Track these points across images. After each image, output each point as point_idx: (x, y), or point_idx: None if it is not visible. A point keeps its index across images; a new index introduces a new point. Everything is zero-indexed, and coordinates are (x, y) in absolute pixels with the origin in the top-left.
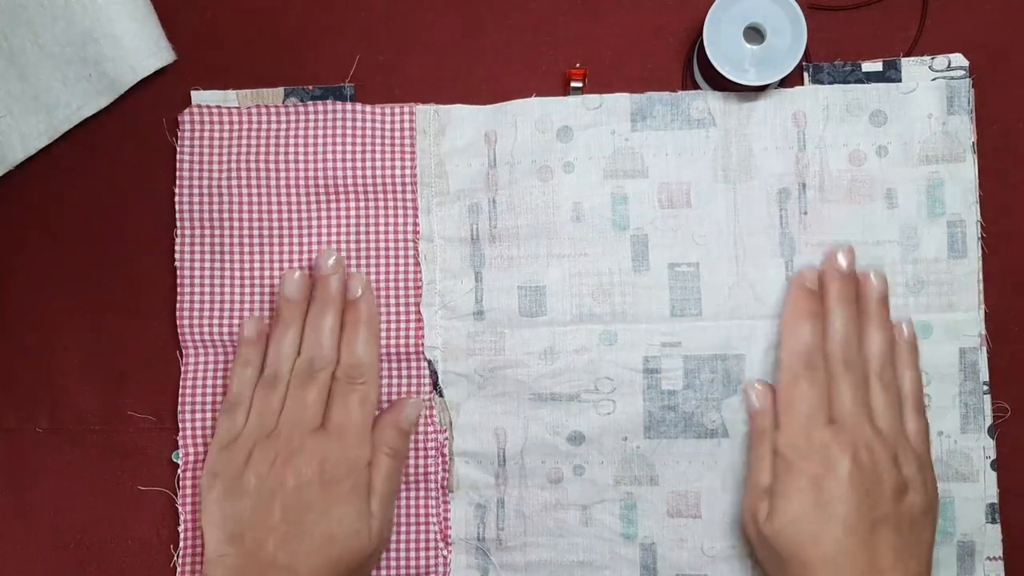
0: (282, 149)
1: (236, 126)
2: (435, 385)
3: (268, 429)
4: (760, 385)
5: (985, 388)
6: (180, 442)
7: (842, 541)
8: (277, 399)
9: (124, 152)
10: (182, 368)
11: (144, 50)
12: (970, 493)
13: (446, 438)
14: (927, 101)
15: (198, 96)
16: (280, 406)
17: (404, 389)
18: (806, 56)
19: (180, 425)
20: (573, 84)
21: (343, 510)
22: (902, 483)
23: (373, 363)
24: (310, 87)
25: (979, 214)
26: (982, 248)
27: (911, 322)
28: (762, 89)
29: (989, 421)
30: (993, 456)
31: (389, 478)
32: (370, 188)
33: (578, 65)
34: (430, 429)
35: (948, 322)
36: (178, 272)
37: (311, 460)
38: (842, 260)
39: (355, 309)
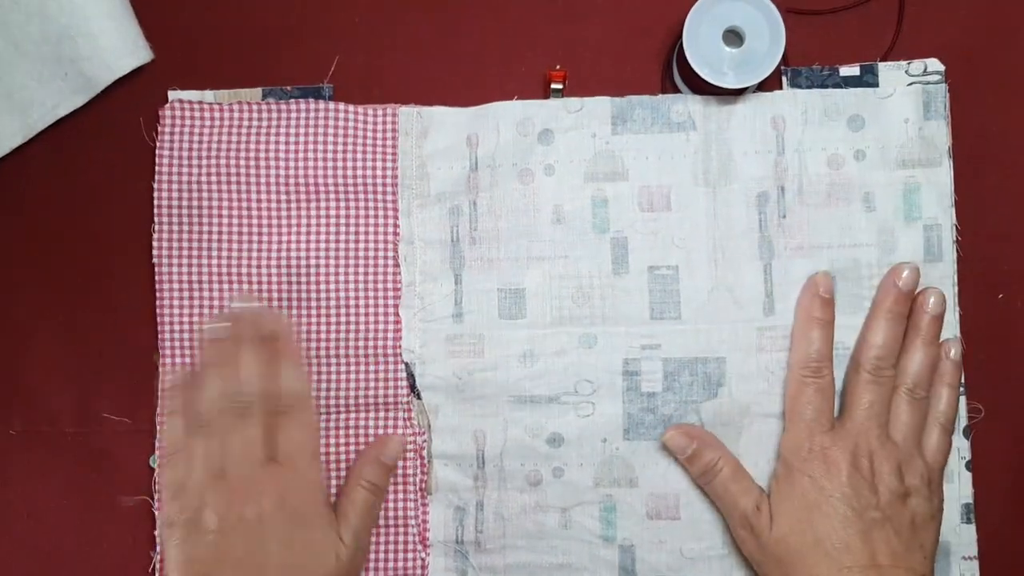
0: (263, 147)
1: (217, 123)
2: (413, 387)
3: (215, 470)
4: (674, 431)
5: (961, 390)
6: (157, 445)
7: (843, 539)
8: (216, 441)
9: (100, 152)
10: (159, 369)
11: (121, 49)
12: (945, 493)
13: (424, 440)
14: (904, 106)
15: (175, 96)
16: (220, 447)
17: (382, 391)
18: (784, 60)
19: (158, 428)
20: (553, 86)
21: (307, 536)
22: (903, 490)
23: (303, 390)
24: (288, 87)
25: (955, 218)
26: (957, 251)
27: (959, 341)
28: (740, 92)
29: (964, 422)
30: (968, 457)
31: (365, 512)
32: (351, 188)
33: (558, 67)
34: (408, 432)
35: None
36: (156, 270)
37: (268, 491)
38: (905, 278)
39: (272, 345)
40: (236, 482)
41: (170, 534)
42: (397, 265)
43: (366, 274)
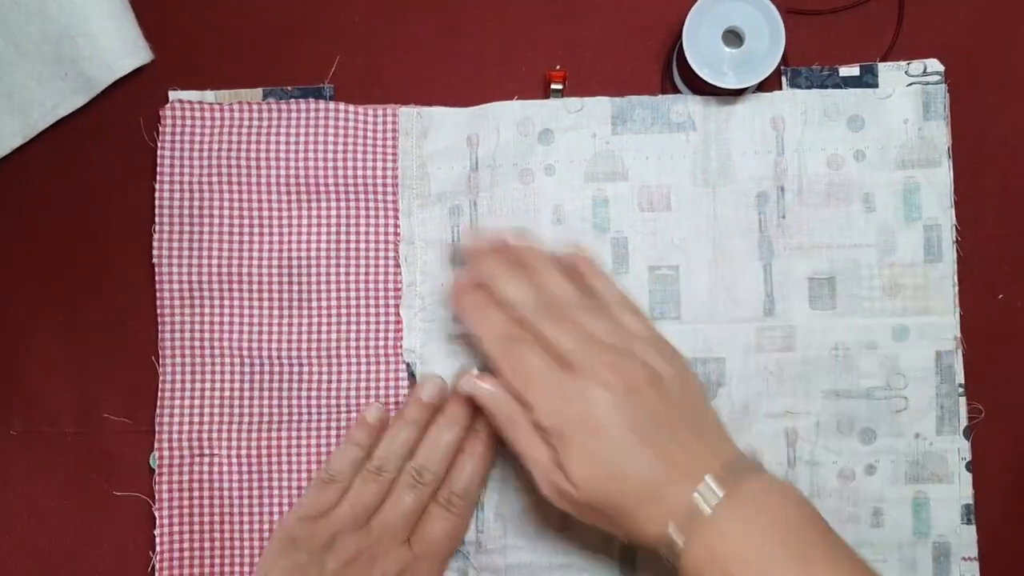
0: (263, 147)
1: (217, 122)
2: None
3: (359, 523)
4: (475, 375)
5: (961, 391)
6: (156, 446)
7: (640, 458)
8: (374, 494)
9: (100, 152)
10: (159, 370)
11: (121, 49)
12: (945, 494)
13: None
14: (903, 107)
15: (176, 97)
16: (376, 503)
17: (382, 391)
18: (784, 60)
19: (157, 428)
20: (553, 86)
21: None
22: (653, 373)
23: (474, 499)
24: (289, 88)
25: (955, 218)
26: (957, 252)
27: (579, 245)
28: (740, 93)
29: (965, 423)
30: (968, 457)
31: None
32: (351, 188)
33: (558, 67)
34: None
35: (924, 325)
36: (156, 270)
37: (391, 571)
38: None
39: (477, 439)
40: (371, 545)
41: (283, 549)
42: (397, 265)
43: (366, 274)
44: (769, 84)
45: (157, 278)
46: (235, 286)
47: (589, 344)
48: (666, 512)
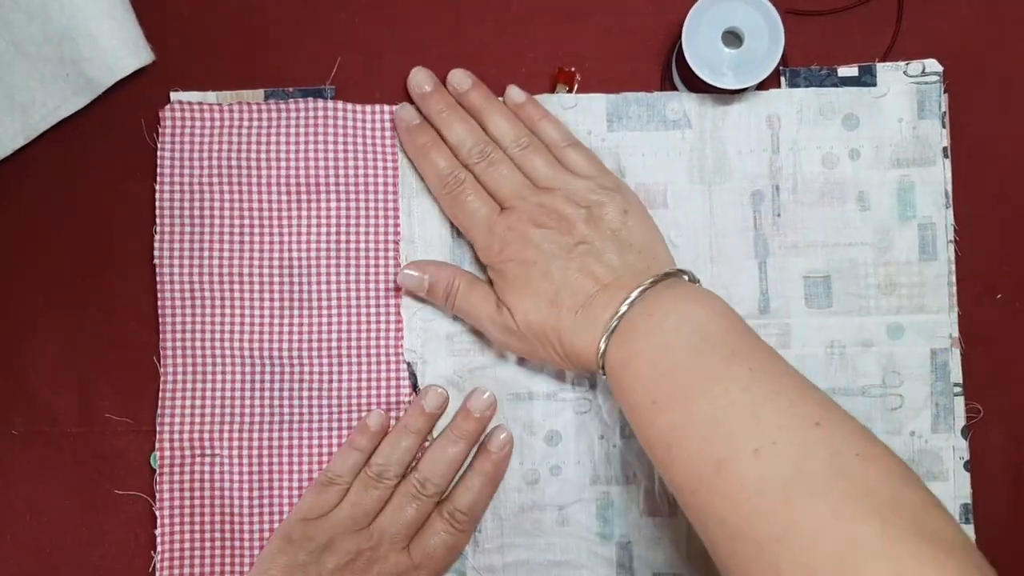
0: (263, 147)
1: (217, 123)
2: (415, 387)
3: (359, 525)
4: (404, 270)
5: (957, 390)
6: (157, 446)
7: (570, 281)
8: (375, 499)
9: (101, 152)
10: (160, 370)
11: (122, 50)
12: (941, 492)
13: (425, 440)
14: (898, 105)
15: (177, 98)
16: (376, 508)
17: (383, 391)
18: (783, 60)
19: (158, 428)
20: (560, 86)
21: None
22: (589, 212)
23: (478, 517)
24: (290, 89)
25: (951, 217)
26: (956, 251)
27: (514, 88)
28: (739, 93)
29: (962, 422)
30: (966, 457)
31: None
32: (351, 188)
33: (571, 69)
34: None
35: (919, 323)
36: (156, 270)
37: (390, 575)
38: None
39: (488, 459)
40: (369, 548)
41: (282, 547)
42: (398, 265)
43: (367, 274)
44: (768, 84)
45: (158, 278)
46: (235, 286)
47: (524, 186)
48: (600, 326)
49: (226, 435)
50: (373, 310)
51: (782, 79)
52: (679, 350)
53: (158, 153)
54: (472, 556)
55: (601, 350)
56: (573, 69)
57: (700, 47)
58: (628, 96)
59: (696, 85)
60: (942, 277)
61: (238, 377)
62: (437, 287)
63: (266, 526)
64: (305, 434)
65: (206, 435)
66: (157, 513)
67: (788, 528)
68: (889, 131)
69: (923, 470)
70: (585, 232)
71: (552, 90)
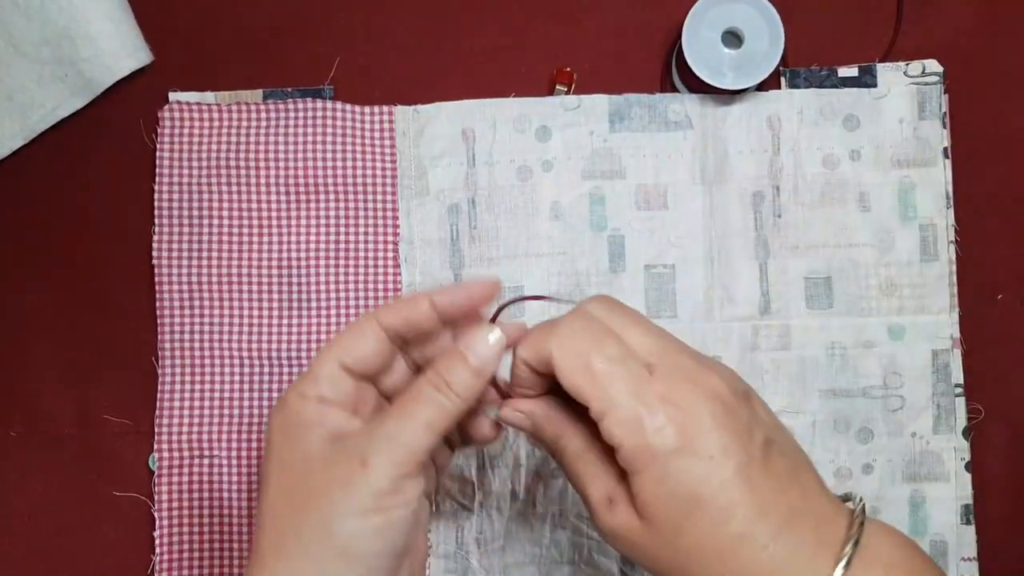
0: (262, 147)
1: (216, 123)
2: None
3: None
4: (507, 407)
5: (958, 390)
6: (156, 447)
7: (744, 491)
8: None
9: (100, 153)
10: (159, 371)
11: (120, 51)
12: (942, 493)
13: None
14: (899, 106)
15: (176, 98)
16: None
17: None
18: (784, 61)
19: (156, 429)
20: (558, 87)
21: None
22: (743, 387)
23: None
24: (289, 89)
25: (952, 218)
26: (957, 252)
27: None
28: (740, 93)
29: (963, 423)
30: (967, 457)
31: None
32: (350, 189)
33: (568, 69)
34: None
35: (920, 324)
36: (156, 271)
37: None
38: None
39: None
40: None
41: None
42: (397, 265)
43: (366, 274)
44: (768, 85)
45: (157, 279)
46: (235, 286)
47: (669, 345)
48: (771, 569)
49: (225, 436)
50: (372, 310)
51: (782, 79)
52: None
53: (157, 153)
54: (473, 557)
55: None
56: (570, 69)
57: (700, 48)
58: (630, 97)
59: (696, 86)
60: (943, 278)
61: (237, 378)
62: (541, 437)
63: None
64: None
65: (205, 436)
66: (156, 514)
67: None
68: (890, 132)
69: (924, 471)
70: (747, 421)
71: (551, 91)
